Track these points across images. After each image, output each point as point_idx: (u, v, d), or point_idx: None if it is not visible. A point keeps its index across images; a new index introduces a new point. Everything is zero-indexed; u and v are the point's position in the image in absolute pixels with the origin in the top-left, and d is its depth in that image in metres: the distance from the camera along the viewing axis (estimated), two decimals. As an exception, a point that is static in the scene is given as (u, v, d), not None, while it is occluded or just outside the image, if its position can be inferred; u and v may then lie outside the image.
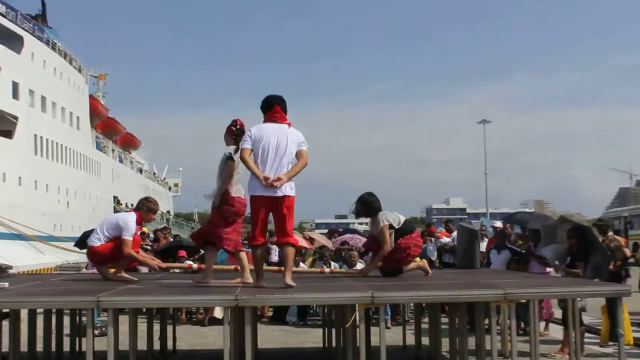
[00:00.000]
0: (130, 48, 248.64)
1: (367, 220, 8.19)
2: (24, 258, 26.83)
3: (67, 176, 39.91)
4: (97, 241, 7.53)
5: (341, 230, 18.06)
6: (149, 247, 14.24)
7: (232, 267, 8.01)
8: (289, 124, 6.62)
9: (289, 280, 6.45)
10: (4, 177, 31.48)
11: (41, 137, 36.15)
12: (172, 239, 15.30)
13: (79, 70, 45.52)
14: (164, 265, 8.13)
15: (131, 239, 7.43)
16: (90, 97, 49.84)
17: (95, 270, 8.92)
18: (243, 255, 6.99)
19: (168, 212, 71.45)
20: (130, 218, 7.53)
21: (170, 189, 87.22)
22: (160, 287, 6.76)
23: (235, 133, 6.73)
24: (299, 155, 6.52)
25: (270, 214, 6.48)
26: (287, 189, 6.42)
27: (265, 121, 6.60)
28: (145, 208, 7.72)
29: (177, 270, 10.57)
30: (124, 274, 7.73)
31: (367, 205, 8.05)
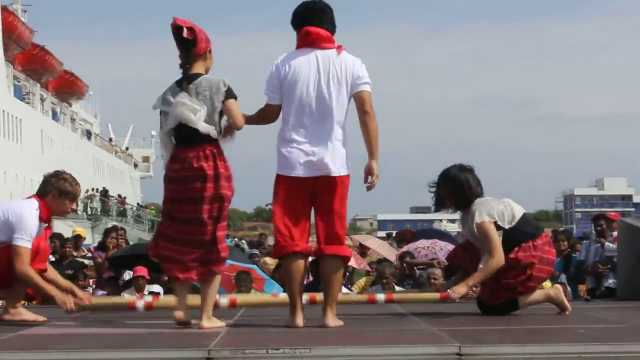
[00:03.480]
0: None
1: (458, 215, 8.13)
2: None
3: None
4: None
5: (418, 231, 17.72)
6: (87, 261, 14.07)
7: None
8: (340, 48, 6.84)
9: (330, 319, 6.79)
10: None
11: None
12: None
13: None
14: (87, 299, 7.74)
15: (29, 245, 7.19)
16: (4, 10, 50.17)
17: None
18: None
19: (128, 203, 71.77)
20: (28, 208, 7.30)
21: (136, 165, 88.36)
22: (80, 333, 6.57)
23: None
24: (359, 102, 6.79)
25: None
26: (337, 165, 6.73)
27: (298, 47, 6.90)
28: (55, 190, 7.47)
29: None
30: (22, 311, 7.50)
31: (455, 187, 7.84)
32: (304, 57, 6.81)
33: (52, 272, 7.66)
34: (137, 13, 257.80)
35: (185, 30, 6.76)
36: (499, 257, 7.49)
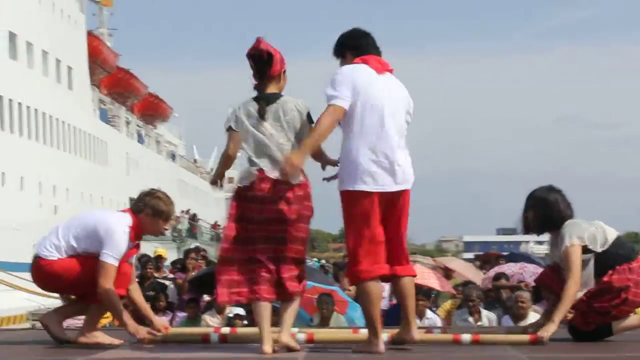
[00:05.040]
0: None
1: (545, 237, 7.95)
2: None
3: (54, 165, 40.83)
4: (52, 250, 7.20)
5: (505, 254, 17.52)
6: (168, 282, 14.01)
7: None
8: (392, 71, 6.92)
9: (416, 331, 6.77)
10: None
11: (10, 101, 37.23)
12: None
13: (71, -9, 46.49)
14: (163, 329, 7.52)
15: (116, 263, 7.05)
16: (90, 35, 50.95)
17: (73, 323, 8.58)
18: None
19: (217, 223, 72.29)
20: (120, 225, 7.18)
21: (221, 186, 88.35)
22: (155, 358, 6.56)
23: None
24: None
25: None
26: (411, 177, 6.70)
27: (363, 62, 6.82)
28: (149, 209, 7.33)
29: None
30: (97, 333, 7.35)
31: (544, 209, 7.63)
32: (374, 71, 6.73)
33: (136, 293, 7.53)
34: (220, 38, 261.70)
35: (262, 51, 6.72)
36: (575, 281, 7.28)
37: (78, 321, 8.16)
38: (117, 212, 7.44)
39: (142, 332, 7.28)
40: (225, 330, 7.96)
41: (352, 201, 6.55)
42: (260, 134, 6.60)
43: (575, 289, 7.27)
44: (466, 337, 7.41)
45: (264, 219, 6.55)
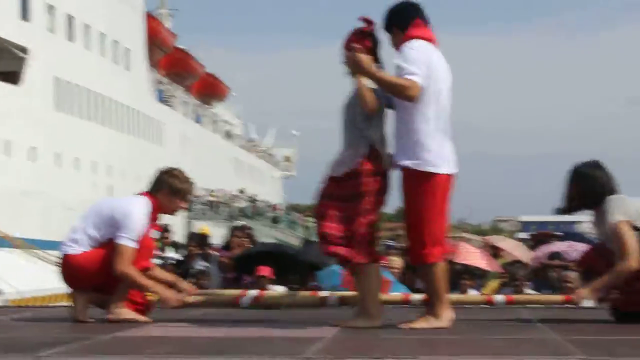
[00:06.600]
0: None
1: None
2: (30, 277, 27.71)
3: (109, 145, 41.26)
4: (74, 246, 7.19)
5: (560, 234, 17.30)
6: (206, 265, 13.83)
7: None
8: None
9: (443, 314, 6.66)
10: (8, 147, 32.66)
11: (67, 83, 37.71)
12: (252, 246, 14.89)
13: (128, -28, 46.76)
14: (190, 290, 7.59)
15: (131, 244, 7.04)
16: (149, 16, 51.23)
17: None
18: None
19: (270, 206, 72.18)
20: (137, 206, 7.18)
21: (278, 164, 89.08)
22: (176, 337, 6.39)
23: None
24: None
25: None
26: None
27: (424, 38, 6.77)
28: (167, 188, 7.32)
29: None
30: (124, 311, 7.25)
31: (587, 184, 7.33)
32: (438, 53, 6.74)
33: (156, 269, 7.58)
34: (280, 16, 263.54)
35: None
36: (631, 261, 6.90)
37: None
38: (133, 196, 7.43)
39: (173, 297, 7.31)
40: (253, 292, 7.89)
41: (434, 183, 6.59)
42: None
43: (627, 269, 6.89)
44: (499, 298, 7.15)
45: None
